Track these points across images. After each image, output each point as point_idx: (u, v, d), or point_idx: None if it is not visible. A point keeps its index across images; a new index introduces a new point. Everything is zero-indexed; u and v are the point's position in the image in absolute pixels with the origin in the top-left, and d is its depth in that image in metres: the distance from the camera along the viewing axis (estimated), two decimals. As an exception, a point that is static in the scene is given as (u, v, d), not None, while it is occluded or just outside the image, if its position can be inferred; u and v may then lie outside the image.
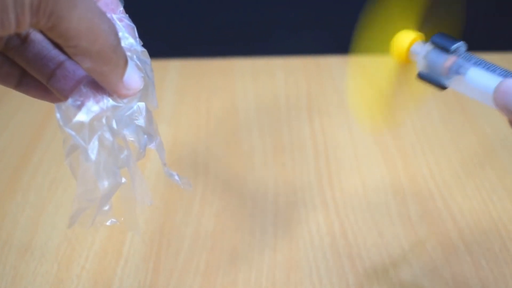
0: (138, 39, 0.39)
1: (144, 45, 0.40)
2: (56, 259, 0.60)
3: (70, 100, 0.36)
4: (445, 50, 0.45)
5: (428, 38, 0.46)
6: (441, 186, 0.68)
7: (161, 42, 0.99)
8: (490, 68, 0.43)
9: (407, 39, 0.47)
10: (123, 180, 0.38)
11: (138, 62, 0.39)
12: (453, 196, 0.67)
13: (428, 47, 0.46)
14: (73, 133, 0.36)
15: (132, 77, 0.37)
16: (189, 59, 0.96)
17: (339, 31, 1.02)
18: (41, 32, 0.36)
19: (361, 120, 0.48)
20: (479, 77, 0.43)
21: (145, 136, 0.40)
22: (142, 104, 0.39)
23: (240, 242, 0.61)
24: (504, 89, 0.40)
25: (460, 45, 0.45)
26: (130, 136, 0.39)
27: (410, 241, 0.61)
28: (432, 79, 0.45)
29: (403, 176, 0.70)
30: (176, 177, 0.42)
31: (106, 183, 0.37)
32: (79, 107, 0.36)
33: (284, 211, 0.65)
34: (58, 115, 0.36)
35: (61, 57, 0.39)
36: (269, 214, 0.65)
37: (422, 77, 0.46)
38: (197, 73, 0.93)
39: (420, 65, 0.46)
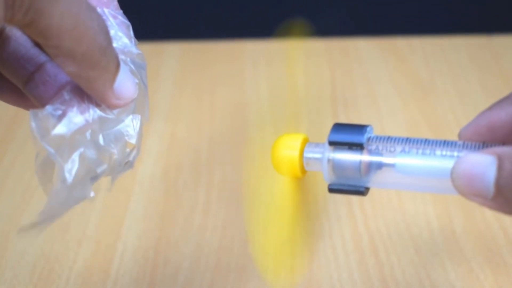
0: (133, 38, 0.39)
1: (136, 26, 0.40)
2: (31, 280, 0.60)
3: (49, 108, 0.36)
4: (356, 146, 0.41)
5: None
6: (491, 194, 0.68)
7: (157, 21, 0.99)
8: (420, 148, 0.39)
9: (294, 146, 0.43)
10: (92, 194, 0.38)
11: (132, 67, 0.38)
12: (505, 206, 0.66)
13: (327, 147, 0.42)
14: (52, 150, 0.35)
15: (125, 84, 0.37)
16: (190, 42, 0.96)
17: (368, 9, 1.02)
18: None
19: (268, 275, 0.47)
20: (415, 163, 0.39)
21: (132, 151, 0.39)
22: (136, 117, 0.39)
23: (250, 259, 0.61)
24: (466, 172, 0.36)
25: (370, 130, 0.41)
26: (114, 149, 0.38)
27: (453, 259, 0.61)
28: (349, 187, 0.41)
29: (446, 182, 0.69)
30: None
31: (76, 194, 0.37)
32: (59, 118, 0.36)
33: (303, 223, 0.65)
34: (33, 125, 0.35)
35: (42, 57, 0.39)
36: (284, 227, 0.65)
37: (334, 189, 0.42)
38: (199, 59, 0.93)
39: (326, 174, 0.42)
